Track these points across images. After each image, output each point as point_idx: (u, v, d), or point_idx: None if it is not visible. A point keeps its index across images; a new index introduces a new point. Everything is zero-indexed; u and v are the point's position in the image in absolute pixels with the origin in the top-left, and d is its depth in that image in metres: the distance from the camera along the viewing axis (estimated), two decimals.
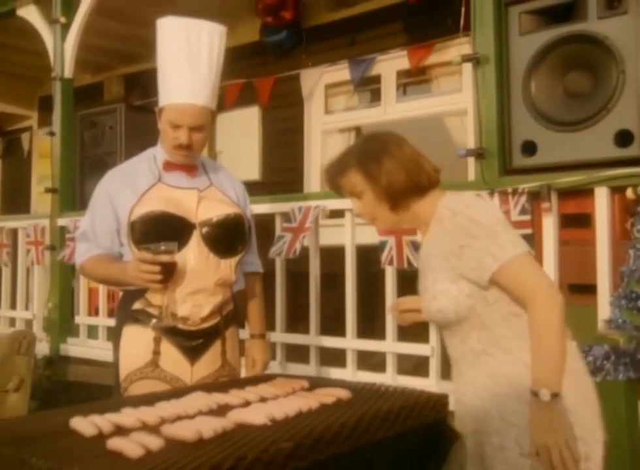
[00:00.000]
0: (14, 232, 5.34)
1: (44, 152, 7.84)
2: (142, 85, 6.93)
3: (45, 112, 7.92)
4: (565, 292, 2.87)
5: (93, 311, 4.83)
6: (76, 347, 4.83)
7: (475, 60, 3.01)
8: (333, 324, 3.68)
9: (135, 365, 2.29)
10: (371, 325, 3.72)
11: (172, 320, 2.25)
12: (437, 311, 1.74)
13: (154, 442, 1.29)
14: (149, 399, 1.68)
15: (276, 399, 1.69)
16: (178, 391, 1.86)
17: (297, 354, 3.69)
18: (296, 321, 3.93)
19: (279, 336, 3.66)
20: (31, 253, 5.10)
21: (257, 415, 1.49)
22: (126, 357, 2.32)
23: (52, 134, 4.95)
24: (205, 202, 2.35)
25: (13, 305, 5.48)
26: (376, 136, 1.92)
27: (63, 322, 4.92)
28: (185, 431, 1.36)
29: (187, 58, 2.31)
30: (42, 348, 4.78)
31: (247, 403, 1.66)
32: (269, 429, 1.43)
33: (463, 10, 3.93)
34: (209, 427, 1.38)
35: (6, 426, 1.50)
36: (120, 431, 1.41)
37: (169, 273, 2.15)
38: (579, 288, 2.88)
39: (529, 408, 1.59)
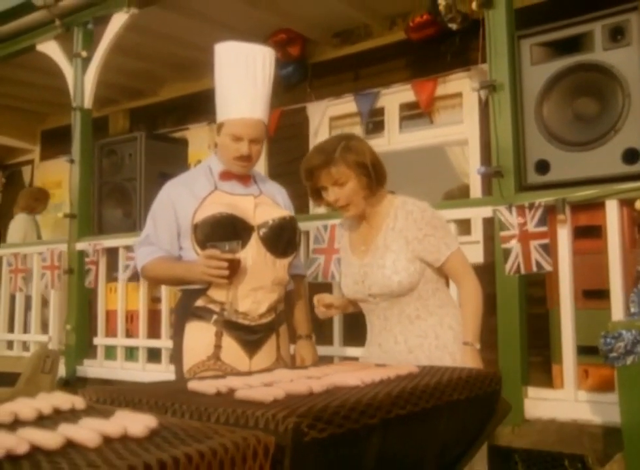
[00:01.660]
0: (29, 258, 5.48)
1: (47, 184, 8.01)
2: (147, 118, 7.19)
3: (48, 146, 8.14)
4: (579, 298, 3.13)
5: (111, 332, 4.96)
6: (93, 368, 4.94)
7: (492, 87, 3.30)
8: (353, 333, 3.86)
9: (198, 358, 2.46)
10: None
11: (235, 315, 2.44)
12: (398, 283, 2.25)
13: (277, 393, 1.48)
14: (242, 374, 1.86)
15: (355, 372, 1.88)
16: (261, 371, 2.05)
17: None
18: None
19: None
20: (45, 277, 5.23)
21: (351, 378, 1.69)
22: (189, 351, 2.49)
23: (72, 161, 5.15)
24: (261, 207, 2.56)
25: (25, 330, 5.60)
26: (351, 135, 2.40)
27: (79, 344, 5.04)
28: (298, 386, 1.55)
29: (245, 77, 2.54)
30: (59, 369, 4.88)
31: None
32: (364, 388, 1.63)
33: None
34: (316, 384, 1.58)
35: (129, 389, 1.67)
36: (235, 391, 1.59)
37: (234, 269, 2.35)
38: (593, 294, 3.13)
39: (450, 357, 2.23)
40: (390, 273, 2.24)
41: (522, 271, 3.09)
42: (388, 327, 2.32)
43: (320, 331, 4.09)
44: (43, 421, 1.24)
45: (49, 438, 1.07)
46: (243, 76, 2.53)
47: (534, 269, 3.05)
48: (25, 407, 1.26)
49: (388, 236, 2.29)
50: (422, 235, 2.24)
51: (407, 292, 2.26)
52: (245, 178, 2.63)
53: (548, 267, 3.04)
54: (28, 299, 5.54)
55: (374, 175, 2.25)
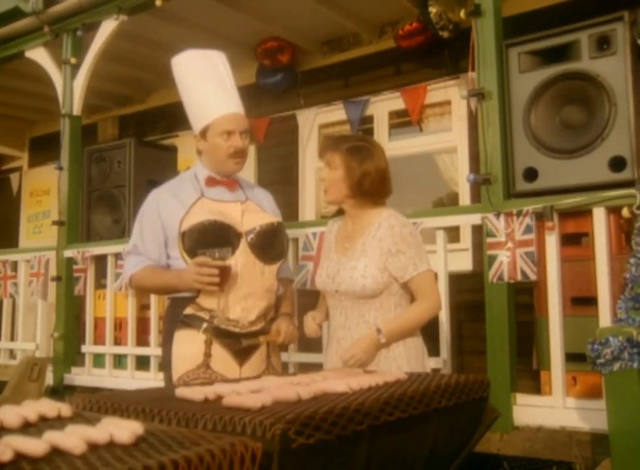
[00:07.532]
0: (15, 265, 5.45)
1: (35, 191, 7.98)
2: (136, 125, 7.18)
3: (36, 153, 8.10)
4: (568, 305, 3.14)
5: (100, 340, 4.93)
6: (81, 376, 4.91)
7: (480, 95, 3.31)
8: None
9: (187, 367, 2.44)
10: None
11: (225, 322, 2.43)
12: (362, 286, 2.35)
13: (265, 399, 1.47)
14: (230, 380, 1.85)
15: (343, 378, 1.88)
16: (249, 378, 2.04)
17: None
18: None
19: (293, 355, 3.83)
20: (32, 284, 5.20)
21: (339, 384, 1.68)
22: (178, 360, 2.47)
23: (60, 168, 5.13)
24: (248, 213, 2.56)
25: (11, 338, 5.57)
26: (371, 140, 2.58)
27: (67, 352, 5.00)
28: (286, 393, 1.54)
29: (216, 79, 2.57)
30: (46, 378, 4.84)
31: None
32: (352, 395, 1.63)
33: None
34: (303, 391, 1.57)
35: (115, 396, 1.66)
36: (222, 397, 1.58)
37: (226, 276, 2.34)
38: (581, 301, 3.14)
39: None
40: (358, 275, 2.36)
41: (505, 279, 3.10)
42: (347, 325, 2.44)
43: (308, 339, 4.08)
44: (28, 428, 1.23)
45: (34, 446, 1.06)
46: (214, 79, 2.55)
47: (519, 277, 3.06)
48: (10, 413, 1.25)
49: (367, 242, 2.42)
50: (395, 250, 2.36)
51: (369, 297, 2.37)
52: (232, 183, 2.62)
53: (532, 276, 3.05)
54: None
55: (358, 186, 2.39)
